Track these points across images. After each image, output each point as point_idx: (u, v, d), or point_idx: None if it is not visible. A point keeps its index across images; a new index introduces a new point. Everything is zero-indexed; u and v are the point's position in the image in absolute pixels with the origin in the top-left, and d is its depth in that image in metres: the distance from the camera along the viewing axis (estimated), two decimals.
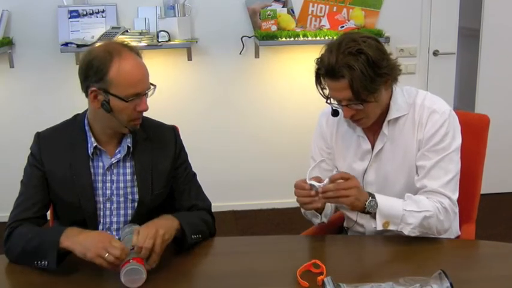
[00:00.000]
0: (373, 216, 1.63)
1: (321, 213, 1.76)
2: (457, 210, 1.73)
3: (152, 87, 1.66)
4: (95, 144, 1.69)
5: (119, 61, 1.58)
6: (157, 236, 1.49)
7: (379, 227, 1.62)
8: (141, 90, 1.62)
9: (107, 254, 1.42)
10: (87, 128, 1.71)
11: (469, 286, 1.43)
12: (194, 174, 1.86)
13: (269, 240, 1.94)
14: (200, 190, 1.85)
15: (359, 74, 1.54)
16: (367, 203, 1.60)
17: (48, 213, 1.76)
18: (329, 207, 1.79)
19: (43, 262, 1.50)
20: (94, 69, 1.59)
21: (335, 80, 1.58)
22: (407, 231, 1.64)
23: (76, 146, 1.70)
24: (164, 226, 1.54)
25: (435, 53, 3.68)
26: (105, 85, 1.59)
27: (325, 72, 1.60)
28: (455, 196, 1.70)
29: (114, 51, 1.59)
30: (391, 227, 1.63)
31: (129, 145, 1.72)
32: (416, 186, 1.73)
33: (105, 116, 1.64)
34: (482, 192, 2.04)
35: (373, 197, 1.62)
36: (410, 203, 1.65)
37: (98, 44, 1.72)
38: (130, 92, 1.60)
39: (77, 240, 1.48)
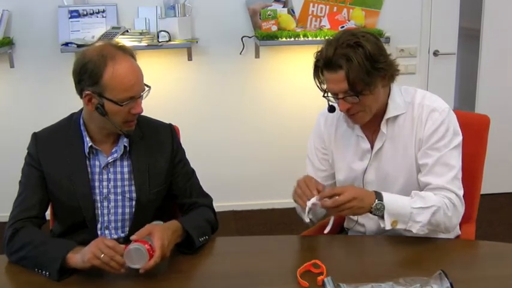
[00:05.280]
0: (380, 216, 1.62)
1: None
2: (464, 206, 1.71)
3: (147, 88, 1.66)
4: (90, 144, 1.69)
5: (113, 65, 1.57)
6: (166, 251, 1.51)
7: (388, 227, 1.61)
8: (135, 94, 1.61)
9: (102, 255, 1.42)
10: (82, 128, 1.71)
11: (469, 286, 1.43)
12: (193, 171, 1.87)
13: (269, 240, 1.94)
14: (200, 186, 1.86)
15: (356, 65, 1.56)
16: (373, 206, 1.59)
17: (48, 213, 1.76)
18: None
19: (44, 272, 1.50)
20: (88, 73, 1.58)
21: (332, 71, 1.61)
22: (415, 229, 1.62)
23: (73, 145, 1.70)
24: (171, 239, 1.56)
25: (435, 53, 3.68)
26: (99, 89, 1.58)
27: (324, 63, 1.62)
28: (461, 192, 1.69)
29: (109, 55, 1.58)
30: (399, 226, 1.62)
31: (126, 145, 1.72)
32: (417, 184, 1.73)
33: (99, 118, 1.63)
34: (482, 192, 2.03)
35: (380, 197, 1.60)
36: (417, 199, 1.64)
37: (92, 45, 1.70)
38: (125, 96, 1.59)
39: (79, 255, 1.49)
